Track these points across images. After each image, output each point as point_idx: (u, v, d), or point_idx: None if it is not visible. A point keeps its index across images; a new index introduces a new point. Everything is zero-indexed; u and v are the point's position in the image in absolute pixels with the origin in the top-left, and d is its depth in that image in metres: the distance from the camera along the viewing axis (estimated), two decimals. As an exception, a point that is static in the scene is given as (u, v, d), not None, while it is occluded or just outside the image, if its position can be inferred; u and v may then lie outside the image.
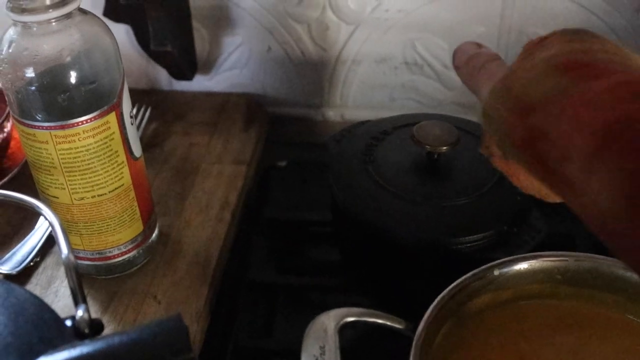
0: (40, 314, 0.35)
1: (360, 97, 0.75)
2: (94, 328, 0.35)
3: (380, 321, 0.45)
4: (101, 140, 0.46)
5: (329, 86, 0.75)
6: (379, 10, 0.69)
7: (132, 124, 0.49)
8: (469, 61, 0.41)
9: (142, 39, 0.72)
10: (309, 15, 0.70)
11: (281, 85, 0.76)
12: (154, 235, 0.55)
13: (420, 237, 0.48)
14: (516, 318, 0.46)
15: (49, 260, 0.56)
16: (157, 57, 0.69)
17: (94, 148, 0.46)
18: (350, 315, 0.42)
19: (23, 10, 0.42)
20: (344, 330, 0.44)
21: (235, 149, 0.68)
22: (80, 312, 0.35)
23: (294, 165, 0.73)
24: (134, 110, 0.70)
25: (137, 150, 0.50)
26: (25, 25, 0.43)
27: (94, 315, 0.50)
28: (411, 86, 0.74)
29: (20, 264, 0.55)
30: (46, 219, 0.40)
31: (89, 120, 0.45)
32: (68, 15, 0.44)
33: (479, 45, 0.42)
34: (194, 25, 0.72)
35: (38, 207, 0.42)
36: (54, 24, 0.43)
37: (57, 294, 0.53)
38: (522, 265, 0.46)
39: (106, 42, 0.46)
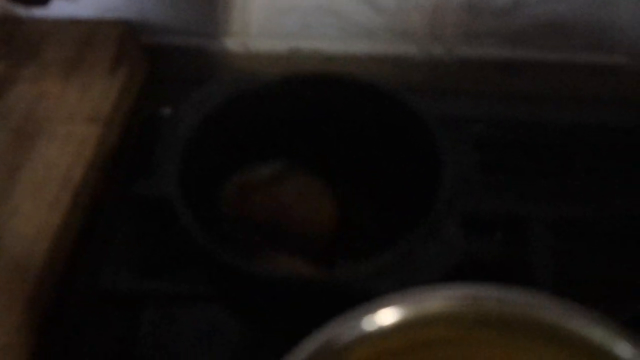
0: None
1: (266, 23, 0.59)
2: None
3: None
4: None
5: (226, 9, 0.59)
6: None
7: None
8: None
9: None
10: None
11: (166, 9, 0.59)
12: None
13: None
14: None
15: None
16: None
17: None
18: None
19: None
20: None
21: (93, 99, 0.53)
22: None
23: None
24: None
25: None
26: None
27: None
28: (330, 9, 0.58)
29: None
30: None
31: None
32: None
33: None
34: None
35: None
36: None
37: None
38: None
39: None
